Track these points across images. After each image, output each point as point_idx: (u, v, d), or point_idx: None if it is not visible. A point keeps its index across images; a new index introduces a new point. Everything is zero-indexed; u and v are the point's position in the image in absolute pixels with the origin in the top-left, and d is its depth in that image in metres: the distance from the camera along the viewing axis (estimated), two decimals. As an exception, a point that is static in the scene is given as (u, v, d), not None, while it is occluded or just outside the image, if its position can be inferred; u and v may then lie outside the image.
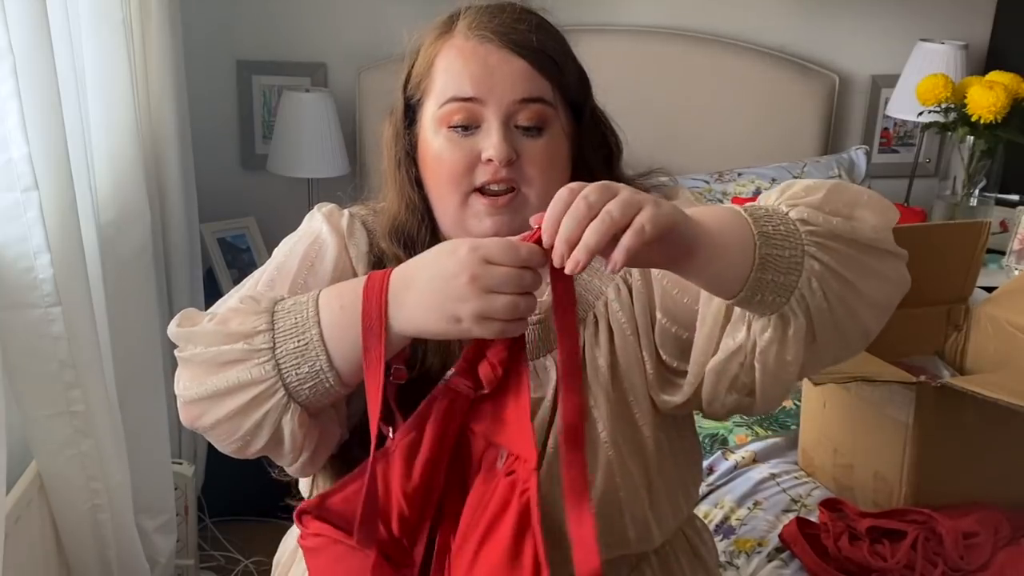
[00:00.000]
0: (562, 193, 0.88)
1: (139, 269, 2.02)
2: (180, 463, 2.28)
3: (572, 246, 0.86)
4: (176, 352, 1.03)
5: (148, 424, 2.04)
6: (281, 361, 0.97)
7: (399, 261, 1.11)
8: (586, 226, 0.85)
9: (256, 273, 1.15)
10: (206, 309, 1.08)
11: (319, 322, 0.97)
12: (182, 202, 2.33)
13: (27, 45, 1.42)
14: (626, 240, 0.85)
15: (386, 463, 1.00)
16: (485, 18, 1.10)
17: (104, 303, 1.78)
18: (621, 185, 0.89)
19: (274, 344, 0.97)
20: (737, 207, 0.97)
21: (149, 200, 2.08)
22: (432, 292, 0.93)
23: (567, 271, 0.87)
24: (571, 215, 0.86)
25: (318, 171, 2.72)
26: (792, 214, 0.95)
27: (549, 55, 1.10)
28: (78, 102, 1.75)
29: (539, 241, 0.91)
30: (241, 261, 2.78)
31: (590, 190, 0.87)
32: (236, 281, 2.70)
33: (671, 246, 0.89)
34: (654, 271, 1.10)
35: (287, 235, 1.20)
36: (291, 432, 0.99)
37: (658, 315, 1.10)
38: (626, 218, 0.85)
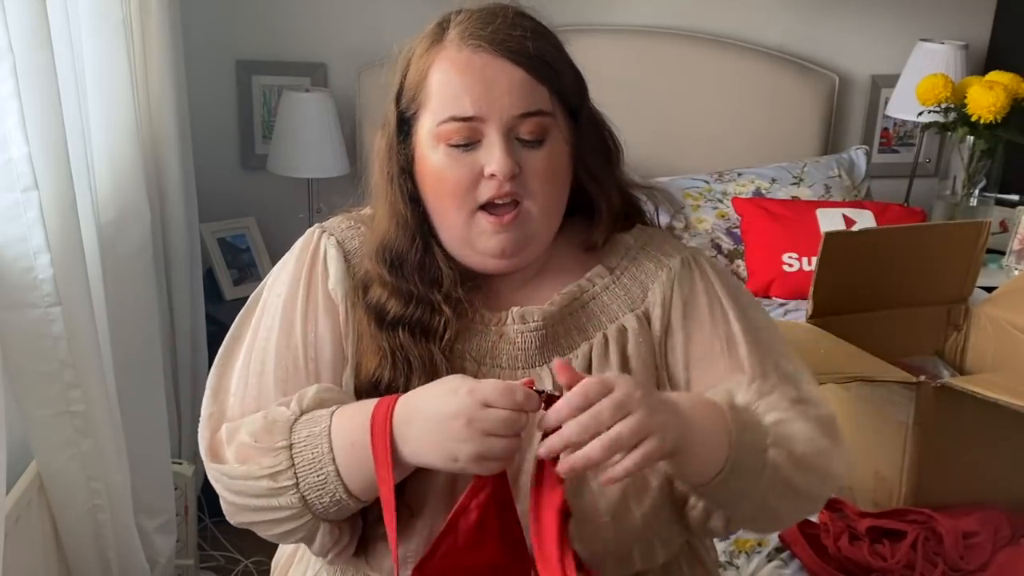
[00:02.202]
0: (592, 387, 0.92)
1: (139, 269, 2.02)
2: (180, 463, 2.28)
3: (572, 446, 0.91)
4: (207, 469, 1.09)
5: (148, 424, 2.04)
6: (305, 494, 1.02)
7: (383, 282, 1.11)
8: (591, 436, 0.91)
9: (256, 313, 1.15)
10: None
11: (334, 459, 1.01)
12: (182, 202, 2.32)
13: (27, 45, 1.42)
14: (627, 463, 0.92)
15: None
16: (478, 25, 1.06)
17: (104, 303, 1.78)
18: (641, 397, 0.93)
19: (297, 480, 1.02)
20: (731, 425, 1.02)
21: (149, 200, 2.08)
22: (432, 431, 0.96)
23: (558, 471, 0.93)
24: (582, 424, 0.91)
25: (318, 171, 2.72)
26: (771, 454, 1.02)
27: (546, 61, 1.07)
28: (78, 102, 1.75)
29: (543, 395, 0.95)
30: (241, 261, 2.78)
31: (608, 407, 0.91)
32: (236, 282, 2.73)
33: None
34: (675, 344, 1.14)
35: (286, 235, 1.20)
36: (322, 540, 1.06)
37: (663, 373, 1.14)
38: (632, 442, 0.91)
